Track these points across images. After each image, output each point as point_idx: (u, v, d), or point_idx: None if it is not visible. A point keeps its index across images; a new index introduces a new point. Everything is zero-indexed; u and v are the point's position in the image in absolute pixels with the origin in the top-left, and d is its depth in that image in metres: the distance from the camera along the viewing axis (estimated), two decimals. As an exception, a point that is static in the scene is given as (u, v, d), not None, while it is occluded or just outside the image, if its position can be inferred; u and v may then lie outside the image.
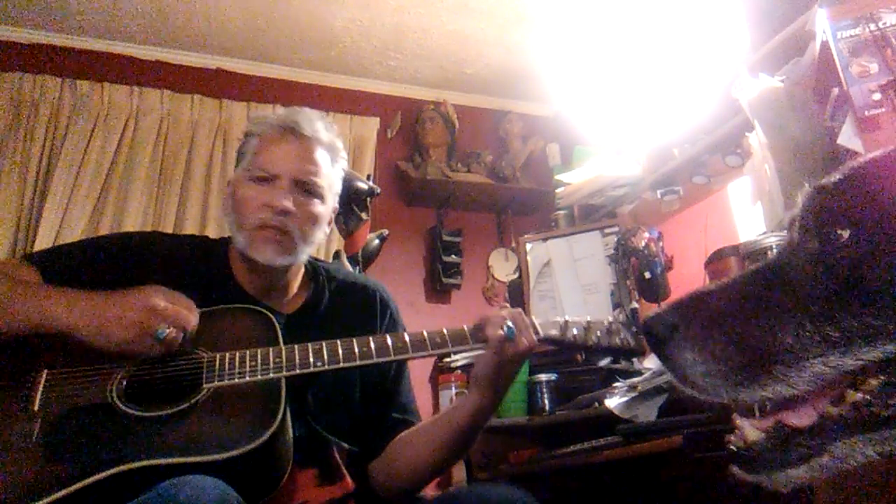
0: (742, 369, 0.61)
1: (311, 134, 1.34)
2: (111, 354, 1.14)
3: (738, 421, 0.66)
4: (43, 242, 2.51)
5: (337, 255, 2.43)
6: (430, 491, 1.44)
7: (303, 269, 1.41)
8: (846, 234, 0.61)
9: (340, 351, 1.20)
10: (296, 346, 1.19)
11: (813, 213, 0.64)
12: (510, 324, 1.21)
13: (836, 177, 0.65)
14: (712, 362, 0.62)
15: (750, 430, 0.65)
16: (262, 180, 1.30)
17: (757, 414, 0.66)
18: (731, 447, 0.65)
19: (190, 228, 2.75)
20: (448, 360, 2.76)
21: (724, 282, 0.67)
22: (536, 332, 1.26)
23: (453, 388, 2.69)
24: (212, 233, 2.69)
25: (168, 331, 1.12)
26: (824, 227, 0.63)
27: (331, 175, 1.37)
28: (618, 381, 2.05)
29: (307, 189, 1.31)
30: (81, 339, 1.12)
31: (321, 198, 1.34)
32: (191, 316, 1.16)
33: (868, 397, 0.60)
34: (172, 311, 1.14)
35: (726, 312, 0.64)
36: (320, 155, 1.34)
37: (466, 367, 2.69)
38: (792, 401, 0.64)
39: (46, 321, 1.13)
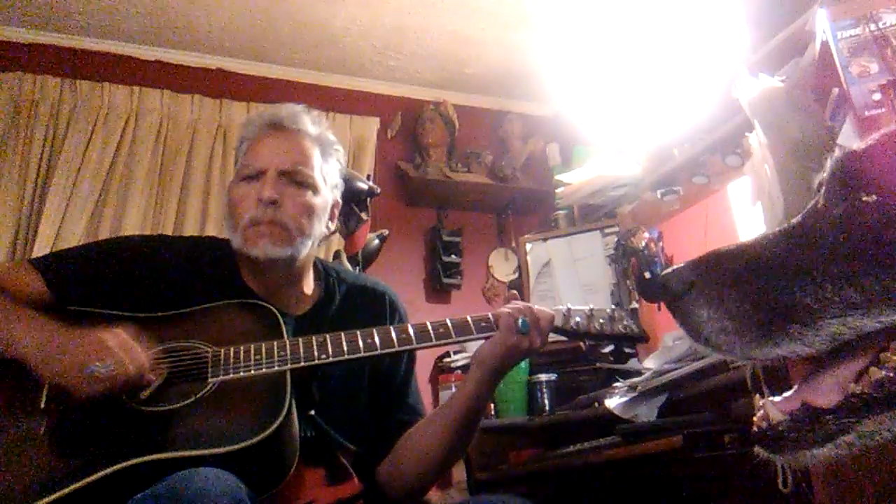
0: (758, 327, 0.60)
1: (295, 126, 1.34)
2: (52, 386, 1.11)
3: (761, 402, 0.65)
4: (43, 242, 2.51)
5: (337, 255, 2.43)
6: (431, 493, 1.43)
7: (312, 271, 1.40)
8: (872, 199, 0.60)
9: (345, 344, 1.20)
10: (300, 339, 1.19)
11: (840, 179, 0.63)
12: (524, 318, 1.22)
13: (866, 143, 0.64)
14: (727, 320, 0.61)
15: (773, 411, 0.63)
16: (251, 178, 1.31)
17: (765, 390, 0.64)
18: (755, 427, 0.64)
19: (190, 229, 2.75)
20: (448, 360, 2.76)
21: (745, 242, 0.66)
22: None
23: (453, 389, 2.68)
24: (211, 233, 2.69)
25: (99, 369, 1.05)
26: (850, 192, 0.61)
27: (323, 167, 1.37)
28: (618, 381, 2.05)
29: (296, 180, 1.31)
30: (29, 368, 1.10)
31: (312, 188, 1.33)
32: (131, 366, 1.08)
33: (892, 374, 0.59)
34: (115, 354, 1.08)
35: (745, 271, 0.63)
36: (307, 146, 1.35)
37: (466, 368, 2.68)
38: (814, 371, 0.62)
39: (8, 346, 1.12)
